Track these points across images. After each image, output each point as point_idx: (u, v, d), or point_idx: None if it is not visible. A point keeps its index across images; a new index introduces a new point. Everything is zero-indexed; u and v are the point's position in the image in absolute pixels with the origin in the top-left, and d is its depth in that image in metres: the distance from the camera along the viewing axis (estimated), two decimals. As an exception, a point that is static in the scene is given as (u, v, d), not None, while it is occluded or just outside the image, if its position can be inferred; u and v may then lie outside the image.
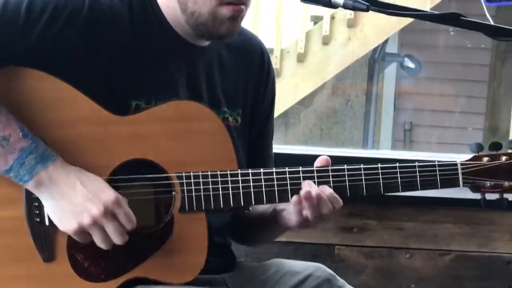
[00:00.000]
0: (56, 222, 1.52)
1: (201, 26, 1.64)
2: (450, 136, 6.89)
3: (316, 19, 5.86)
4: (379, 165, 1.63)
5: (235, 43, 1.77)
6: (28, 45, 1.54)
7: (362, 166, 1.63)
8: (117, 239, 1.51)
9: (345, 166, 1.64)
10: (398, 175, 1.62)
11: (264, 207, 1.75)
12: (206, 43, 1.72)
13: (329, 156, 2.68)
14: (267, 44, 5.95)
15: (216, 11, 1.62)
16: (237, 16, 1.64)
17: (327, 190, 1.62)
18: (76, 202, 1.50)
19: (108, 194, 1.51)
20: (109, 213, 1.50)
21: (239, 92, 1.80)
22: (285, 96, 5.75)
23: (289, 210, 1.66)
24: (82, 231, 1.50)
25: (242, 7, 1.64)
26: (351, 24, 5.69)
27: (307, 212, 1.61)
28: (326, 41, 5.87)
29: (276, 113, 1.95)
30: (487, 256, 2.57)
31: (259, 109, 1.85)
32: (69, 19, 1.56)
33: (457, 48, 6.42)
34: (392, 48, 6.74)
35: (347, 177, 1.64)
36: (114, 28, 1.61)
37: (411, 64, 6.57)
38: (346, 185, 1.64)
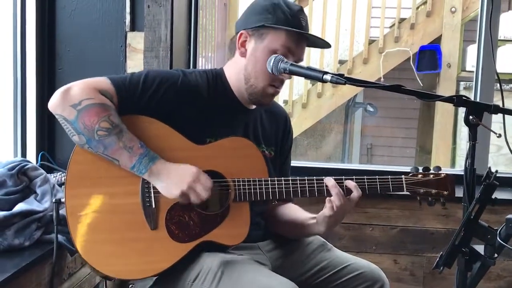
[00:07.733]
0: (166, 194, 1.50)
1: (254, 94, 1.63)
2: (395, 152, 6.80)
3: (314, 82, 5.86)
4: (353, 178, 1.58)
5: (270, 108, 1.76)
6: (141, 105, 1.53)
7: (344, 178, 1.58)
8: (204, 194, 1.49)
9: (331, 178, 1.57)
10: (366, 184, 1.59)
11: (294, 216, 1.72)
12: (253, 107, 1.70)
13: (318, 167, 2.67)
14: (285, 97, 5.95)
15: (266, 88, 1.62)
16: (275, 95, 1.66)
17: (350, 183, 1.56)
18: (175, 179, 1.48)
19: (192, 169, 1.50)
20: (196, 179, 1.48)
21: (272, 137, 1.77)
22: (295, 129, 5.65)
23: (318, 221, 1.60)
24: (183, 194, 1.48)
25: (280, 90, 1.65)
26: (334, 85, 5.65)
27: (335, 200, 1.53)
28: (319, 95, 5.84)
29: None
30: (419, 229, 2.54)
31: (284, 147, 1.82)
32: (168, 89, 1.55)
33: (400, 98, 6.34)
34: (359, 98, 6.68)
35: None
36: (197, 94, 1.60)
37: (371, 109, 6.52)
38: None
